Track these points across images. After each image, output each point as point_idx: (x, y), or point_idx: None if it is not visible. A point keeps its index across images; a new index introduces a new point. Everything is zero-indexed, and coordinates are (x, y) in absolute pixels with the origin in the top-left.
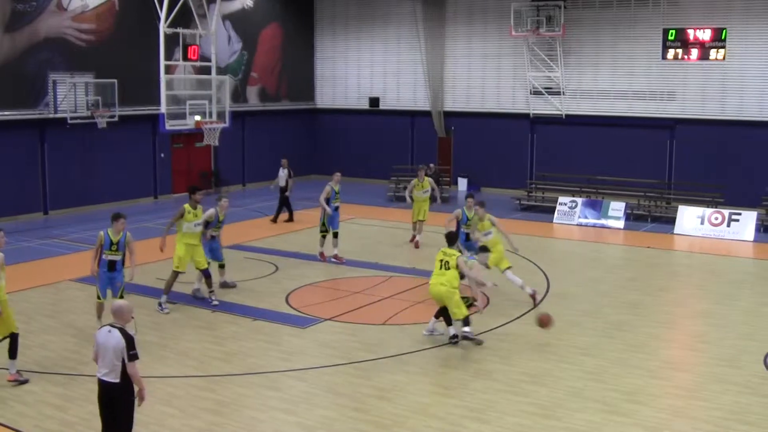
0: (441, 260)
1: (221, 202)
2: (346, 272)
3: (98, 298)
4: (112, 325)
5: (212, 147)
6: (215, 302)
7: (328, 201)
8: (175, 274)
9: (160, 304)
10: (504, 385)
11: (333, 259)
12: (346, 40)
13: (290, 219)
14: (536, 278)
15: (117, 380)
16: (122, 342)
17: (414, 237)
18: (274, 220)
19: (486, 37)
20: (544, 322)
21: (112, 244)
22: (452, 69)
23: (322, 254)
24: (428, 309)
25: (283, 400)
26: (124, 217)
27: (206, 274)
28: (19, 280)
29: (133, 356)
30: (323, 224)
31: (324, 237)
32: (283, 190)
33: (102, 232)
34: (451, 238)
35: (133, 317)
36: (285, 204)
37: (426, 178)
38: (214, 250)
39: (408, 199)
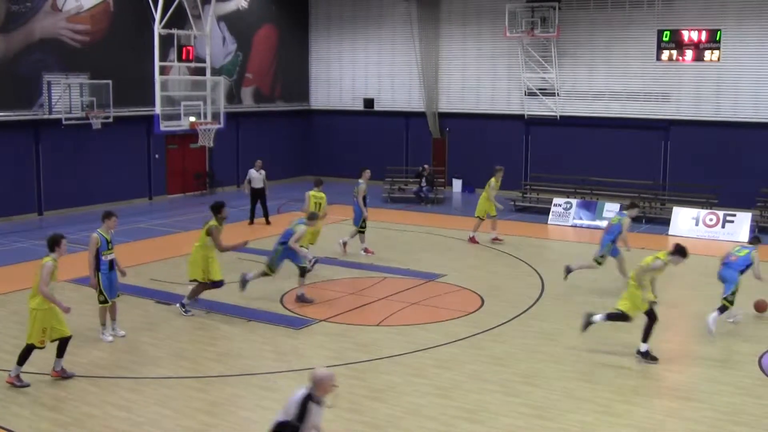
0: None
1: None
2: (340, 273)
3: (104, 302)
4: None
5: (207, 148)
6: (187, 308)
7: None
8: (203, 285)
9: (183, 305)
10: (497, 386)
11: (363, 252)
12: (340, 41)
13: (267, 222)
14: (532, 279)
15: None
16: (298, 405)
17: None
18: (265, 221)
19: (480, 38)
20: (761, 307)
21: (108, 243)
22: (447, 70)
23: (366, 249)
24: (425, 309)
25: (278, 401)
26: (116, 215)
27: (219, 284)
28: (15, 281)
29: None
30: (363, 221)
31: (362, 233)
32: (258, 191)
33: (96, 235)
34: (682, 252)
35: (335, 385)
36: (262, 205)
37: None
38: None
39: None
